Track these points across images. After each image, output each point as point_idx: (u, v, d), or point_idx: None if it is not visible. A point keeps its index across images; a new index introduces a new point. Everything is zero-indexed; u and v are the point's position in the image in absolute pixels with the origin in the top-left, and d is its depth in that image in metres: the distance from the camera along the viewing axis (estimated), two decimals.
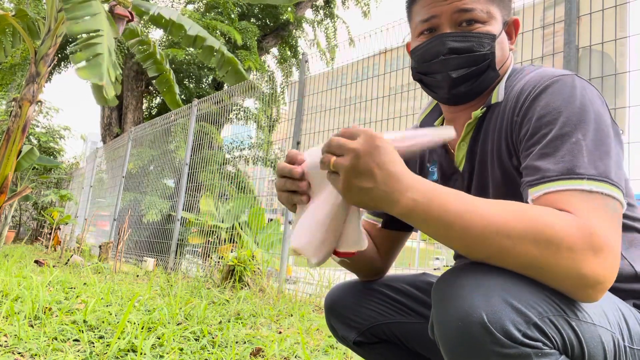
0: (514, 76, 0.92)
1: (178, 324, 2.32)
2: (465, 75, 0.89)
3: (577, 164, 0.70)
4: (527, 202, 0.73)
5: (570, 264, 0.62)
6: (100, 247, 6.30)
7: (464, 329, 0.62)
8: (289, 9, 11.21)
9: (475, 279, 0.65)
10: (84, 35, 4.16)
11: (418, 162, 1.08)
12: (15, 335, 1.80)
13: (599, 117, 0.75)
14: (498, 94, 0.90)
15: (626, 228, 0.83)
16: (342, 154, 0.69)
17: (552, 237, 0.62)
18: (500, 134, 0.87)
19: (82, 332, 1.90)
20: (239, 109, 9.91)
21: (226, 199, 6.72)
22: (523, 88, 0.84)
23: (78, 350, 1.74)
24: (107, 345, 1.78)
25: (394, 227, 1.09)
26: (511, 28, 0.96)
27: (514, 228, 0.63)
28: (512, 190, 0.84)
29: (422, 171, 1.06)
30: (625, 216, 0.83)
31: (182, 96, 10.10)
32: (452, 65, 0.89)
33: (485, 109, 0.92)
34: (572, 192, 0.68)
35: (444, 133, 0.83)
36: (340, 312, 1.08)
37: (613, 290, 0.78)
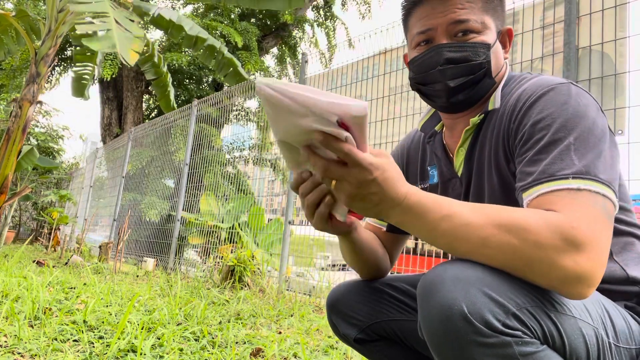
0: (511, 83, 0.95)
1: (178, 324, 2.32)
2: (462, 84, 0.92)
3: (566, 165, 0.72)
4: (523, 207, 0.75)
5: (546, 259, 0.64)
6: (100, 247, 6.30)
7: (447, 322, 0.64)
8: (288, 10, 11.20)
9: (455, 274, 0.67)
10: (89, 19, 4.27)
11: (419, 165, 1.12)
12: (15, 335, 1.80)
13: (592, 123, 0.77)
14: (495, 101, 0.93)
15: (620, 232, 0.86)
16: (340, 181, 0.72)
17: (528, 236, 0.64)
18: (498, 140, 0.89)
19: (82, 332, 1.90)
20: (240, 109, 9.90)
21: (226, 199, 6.72)
22: (520, 96, 0.87)
23: (78, 351, 1.74)
24: (107, 346, 1.78)
25: (398, 231, 1.14)
26: (505, 37, 0.99)
27: (490, 230, 0.67)
28: (508, 195, 0.87)
29: (423, 174, 1.10)
30: (619, 220, 0.86)
31: (182, 97, 10.09)
32: (450, 75, 0.92)
33: (482, 115, 0.94)
34: (559, 192, 0.70)
35: (352, 104, 0.65)
36: (342, 309, 1.10)
37: (605, 291, 0.81)
